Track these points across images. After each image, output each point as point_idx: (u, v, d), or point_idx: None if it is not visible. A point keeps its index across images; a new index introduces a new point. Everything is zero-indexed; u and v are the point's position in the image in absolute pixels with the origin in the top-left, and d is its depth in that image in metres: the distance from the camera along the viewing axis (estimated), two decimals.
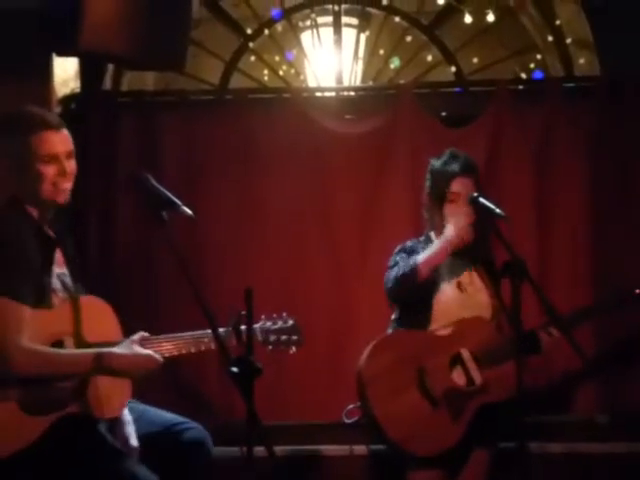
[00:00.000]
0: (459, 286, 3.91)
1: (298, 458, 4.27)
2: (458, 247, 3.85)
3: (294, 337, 3.26)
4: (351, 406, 3.88)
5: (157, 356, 3.04)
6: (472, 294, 3.92)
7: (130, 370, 3.00)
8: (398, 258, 3.93)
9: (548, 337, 3.82)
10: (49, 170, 3.06)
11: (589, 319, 4.05)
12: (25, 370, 2.89)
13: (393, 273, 3.87)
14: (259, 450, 2.72)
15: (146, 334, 3.12)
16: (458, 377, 3.76)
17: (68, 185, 3.10)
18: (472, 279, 3.94)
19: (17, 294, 2.92)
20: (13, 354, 2.88)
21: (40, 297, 2.99)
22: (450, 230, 3.85)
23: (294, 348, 3.26)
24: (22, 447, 2.88)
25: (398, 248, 4.00)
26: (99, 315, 3.07)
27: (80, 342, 3.00)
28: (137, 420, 3.11)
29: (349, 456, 4.26)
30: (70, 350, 2.97)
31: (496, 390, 3.70)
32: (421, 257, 3.85)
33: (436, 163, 3.99)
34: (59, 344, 2.99)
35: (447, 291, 3.89)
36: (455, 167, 3.91)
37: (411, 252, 3.93)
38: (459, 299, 3.89)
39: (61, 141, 3.09)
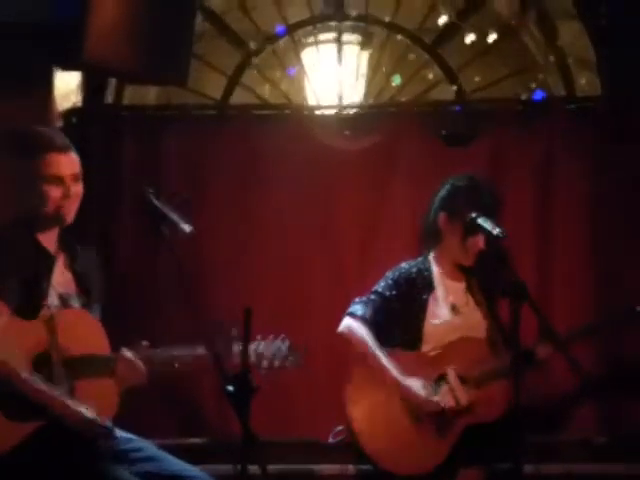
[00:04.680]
0: (453, 309, 3.90)
1: (292, 477, 4.26)
2: (404, 398, 3.75)
3: (290, 358, 3.24)
4: (339, 428, 3.88)
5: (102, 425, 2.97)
6: (467, 315, 3.90)
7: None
8: (373, 297, 3.89)
9: (544, 350, 3.79)
10: (53, 192, 3.07)
11: (589, 336, 4.04)
12: None
13: (353, 308, 3.87)
14: (253, 468, 2.71)
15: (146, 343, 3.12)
16: (444, 397, 3.74)
17: (72, 207, 3.12)
18: (468, 299, 3.93)
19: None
20: None
21: (27, 309, 2.98)
22: (421, 395, 3.73)
23: (289, 365, 3.25)
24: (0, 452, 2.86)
25: (388, 275, 3.94)
26: (84, 328, 3.06)
27: (61, 353, 2.98)
28: (147, 459, 3.08)
29: (342, 475, 4.24)
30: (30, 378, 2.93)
31: (483, 410, 3.70)
32: (367, 341, 3.78)
33: (468, 187, 3.88)
34: (42, 355, 2.97)
35: (439, 314, 3.88)
36: (492, 202, 3.83)
37: (398, 285, 3.88)
38: (452, 322, 3.87)
39: (67, 163, 3.11)
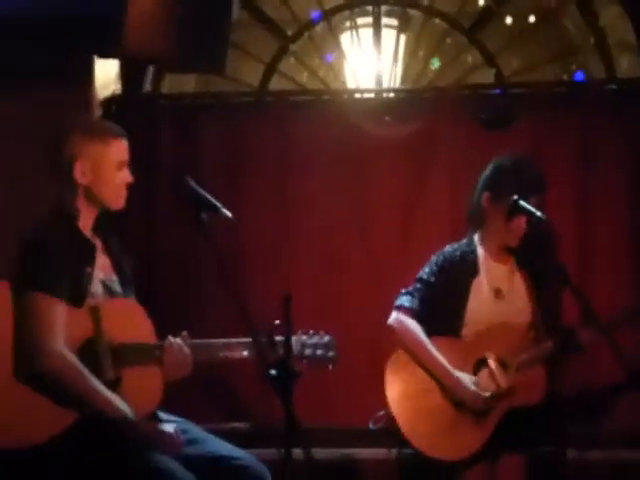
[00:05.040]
0: (497, 294, 3.83)
1: (335, 462, 4.27)
2: (451, 392, 3.70)
3: (330, 353, 3.23)
4: (382, 412, 3.87)
5: (178, 439, 2.96)
6: (510, 300, 3.83)
7: (145, 442, 2.93)
8: (419, 286, 3.84)
9: (587, 335, 3.69)
10: (119, 176, 3.14)
11: (632, 322, 3.99)
12: (50, 374, 2.87)
13: (400, 301, 3.84)
14: (297, 453, 2.72)
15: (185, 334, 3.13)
16: (484, 382, 3.70)
17: (125, 193, 3.18)
18: (512, 283, 3.86)
19: (52, 289, 2.93)
20: (40, 354, 2.87)
21: (74, 298, 3.00)
22: (470, 389, 3.68)
23: (330, 366, 3.25)
24: (42, 441, 2.88)
25: (432, 259, 3.88)
26: (131, 317, 3.07)
27: (108, 342, 3.00)
28: (191, 442, 3.07)
29: (385, 460, 4.24)
30: (104, 390, 2.93)
31: (523, 395, 3.64)
32: (418, 335, 3.75)
33: (513, 168, 3.81)
34: (88, 343, 2.99)
35: (482, 298, 3.81)
36: (537, 184, 3.78)
37: (443, 270, 3.83)
38: (495, 306, 3.81)
39: (126, 150, 3.19)
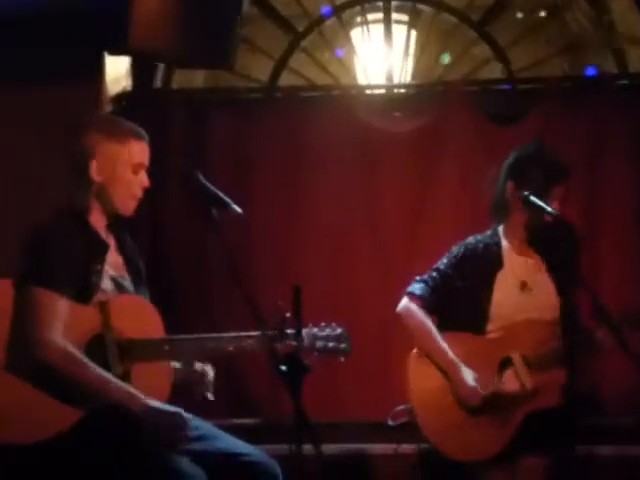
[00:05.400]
0: (523, 287, 3.72)
1: (346, 457, 4.27)
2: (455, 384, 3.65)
3: (342, 345, 3.21)
4: (401, 407, 3.82)
5: (184, 415, 2.95)
6: (537, 295, 3.71)
7: (151, 422, 2.90)
8: (434, 274, 3.77)
9: (603, 334, 3.59)
10: (135, 179, 3.11)
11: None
12: (51, 366, 2.87)
13: (412, 288, 3.79)
14: (307, 448, 2.72)
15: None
16: (509, 381, 3.63)
17: (139, 197, 3.15)
18: (539, 278, 3.75)
19: (54, 284, 2.92)
20: (40, 347, 2.87)
21: (83, 294, 3.00)
22: (469, 385, 3.61)
23: (342, 358, 3.24)
24: (51, 435, 2.88)
25: (453, 250, 3.80)
26: (140, 313, 3.07)
27: (116, 337, 3.00)
28: (201, 438, 3.07)
29: (396, 455, 4.24)
30: (106, 373, 2.93)
31: (545, 396, 3.57)
32: (424, 323, 3.71)
33: (537, 155, 3.74)
34: (97, 338, 3.00)
35: (507, 292, 3.72)
36: (561, 170, 3.71)
37: (462, 262, 3.75)
38: (520, 300, 3.70)
39: (147, 154, 3.15)
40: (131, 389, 2.93)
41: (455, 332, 3.72)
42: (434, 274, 3.78)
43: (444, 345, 3.67)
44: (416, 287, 3.78)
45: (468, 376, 3.62)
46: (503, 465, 3.61)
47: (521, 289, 3.73)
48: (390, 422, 3.81)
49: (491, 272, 3.73)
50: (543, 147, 3.84)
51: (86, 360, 2.91)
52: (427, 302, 3.75)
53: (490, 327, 3.71)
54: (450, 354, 3.65)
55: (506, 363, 3.66)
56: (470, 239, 3.82)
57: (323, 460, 2.69)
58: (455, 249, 3.81)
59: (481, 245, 3.78)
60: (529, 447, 3.59)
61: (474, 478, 3.64)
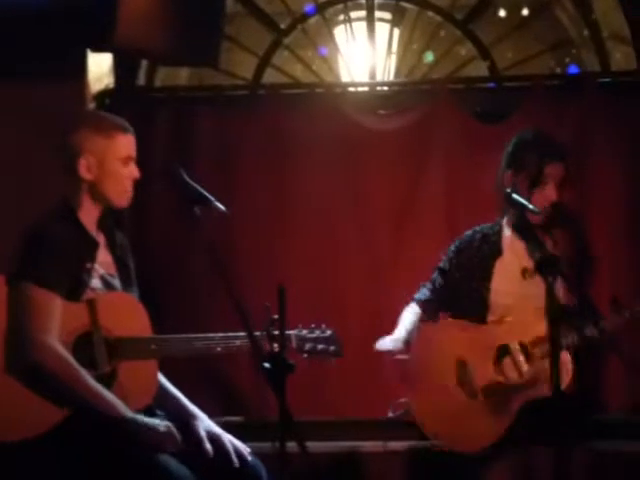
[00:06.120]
0: (524, 272, 3.70)
1: (332, 454, 4.26)
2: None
3: (331, 347, 3.23)
4: (402, 400, 3.81)
5: (173, 436, 2.93)
6: (537, 282, 3.56)
7: (142, 439, 2.90)
8: (434, 275, 3.88)
9: (610, 324, 3.60)
10: (125, 172, 3.11)
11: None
12: (45, 369, 2.86)
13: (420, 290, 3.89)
14: (292, 446, 2.72)
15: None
16: (507, 370, 3.65)
17: (131, 189, 3.15)
18: None
19: (47, 281, 2.92)
20: (36, 349, 2.86)
21: (73, 293, 2.99)
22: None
23: (333, 360, 3.24)
24: (35, 434, 2.88)
25: (451, 246, 3.88)
26: (128, 310, 3.07)
27: (103, 335, 3.00)
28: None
29: (384, 452, 4.23)
30: (97, 385, 2.92)
31: (544, 385, 3.47)
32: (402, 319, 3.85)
33: (533, 140, 3.77)
34: (84, 336, 2.98)
35: (508, 278, 3.73)
36: (557, 151, 3.74)
37: (458, 253, 3.81)
38: (520, 286, 3.70)
39: (133, 145, 3.16)
40: (117, 403, 2.90)
41: (457, 319, 3.75)
42: (434, 274, 3.87)
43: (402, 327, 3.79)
44: (418, 292, 3.91)
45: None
46: (498, 458, 3.62)
47: (522, 275, 3.72)
48: (390, 413, 3.82)
49: (489, 261, 3.77)
50: (538, 131, 3.87)
51: (77, 366, 2.90)
52: (424, 303, 3.86)
53: (491, 315, 3.73)
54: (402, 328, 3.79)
55: (504, 351, 3.66)
56: (469, 231, 3.89)
57: (308, 457, 2.68)
58: (454, 242, 3.89)
59: (478, 235, 3.84)
60: (532, 438, 3.58)
61: (464, 474, 3.63)
